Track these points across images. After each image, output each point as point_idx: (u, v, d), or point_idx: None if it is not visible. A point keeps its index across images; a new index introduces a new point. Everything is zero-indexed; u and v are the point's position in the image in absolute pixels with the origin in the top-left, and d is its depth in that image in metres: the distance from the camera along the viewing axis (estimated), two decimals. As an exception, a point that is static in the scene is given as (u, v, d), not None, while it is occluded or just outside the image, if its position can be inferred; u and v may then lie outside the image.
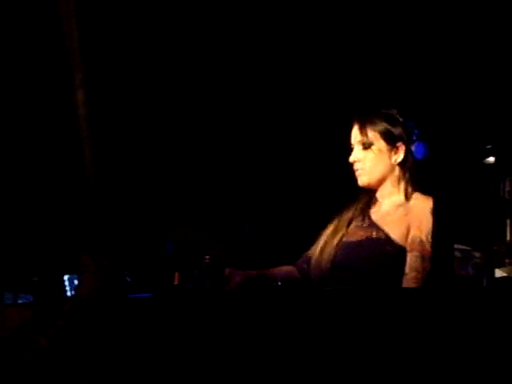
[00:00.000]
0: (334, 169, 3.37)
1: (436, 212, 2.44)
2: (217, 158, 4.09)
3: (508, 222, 3.50)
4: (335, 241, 2.66)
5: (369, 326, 1.70)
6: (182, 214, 3.76)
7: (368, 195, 2.65)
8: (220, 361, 1.83)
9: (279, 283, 2.69)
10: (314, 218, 3.27)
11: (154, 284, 3.25)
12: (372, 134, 2.58)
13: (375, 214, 2.60)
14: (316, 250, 2.69)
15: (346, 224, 2.69)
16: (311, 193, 3.90)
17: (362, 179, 2.58)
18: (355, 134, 2.60)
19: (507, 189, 3.47)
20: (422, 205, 2.48)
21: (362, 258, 2.56)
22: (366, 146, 2.57)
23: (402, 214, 2.51)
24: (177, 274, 2.88)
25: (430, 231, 2.40)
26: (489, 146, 3.46)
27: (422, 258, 2.43)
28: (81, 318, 2.01)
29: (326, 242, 2.69)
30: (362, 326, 1.71)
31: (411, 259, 2.45)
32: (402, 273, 2.47)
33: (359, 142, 2.56)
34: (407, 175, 2.56)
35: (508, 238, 3.46)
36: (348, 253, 2.58)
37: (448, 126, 3.61)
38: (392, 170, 2.59)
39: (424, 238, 2.44)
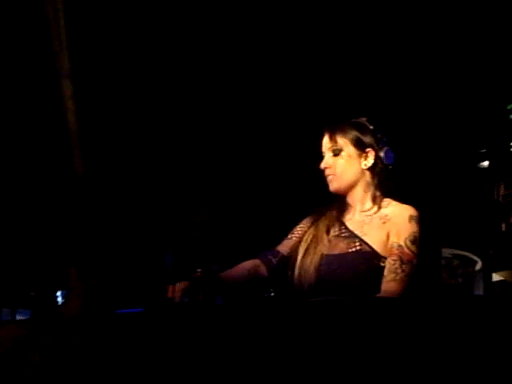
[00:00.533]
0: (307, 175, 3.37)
1: (422, 221, 2.44)
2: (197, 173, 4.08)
3: (503, 225, 3.53)
4: (318, 252, 2.64)
5: (358, 336, 1.69)
6: (179, 228, 3.74)
7: (340, 201, 2.64)
8: (210, 375, 1.81)
9: (272, 294, 2.68)
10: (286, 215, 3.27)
11: (151, 298, 3.22)
12: (342, 141, 2.58)
13: (351, 222, 2.59)
14: (297, 258, 2.67)
15: (324, 232, 2.68)
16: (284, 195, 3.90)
17: (333, 184, 2.58)
18: (325, 142, 2.61)
19: (501, 193, 3.50)
20: (400, 212, 2.48)
21: (349, 273, 2.54)
22: (336, 152, 2.57)
23: (380, 223, 2.51)
24: (171, 287, 2.84)
25: (408, 237, 2.40)
26: (483, 151, 3.48)
27: (401, 261, 2.42)
28: (70, 334, 1.98)
29: (308, 252, 2.67)
30: (351, 337, 1.70)
31: (389, 263, 2.43)
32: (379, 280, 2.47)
33: (329, 148, 2.57)
34: (376, 180, 2.55)
35: (503, 241, 3.49)
36: (333, 267, 2.56)
37: (433, 134, 3.64)
38: (362, 175, 2.58)
39: (402, 243, 2.43)
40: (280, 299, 2.62)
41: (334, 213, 2.60)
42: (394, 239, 2.42)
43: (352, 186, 2.54)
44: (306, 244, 2.60)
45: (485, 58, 3.44)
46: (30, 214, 3.55)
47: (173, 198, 3.88)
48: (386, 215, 2.46)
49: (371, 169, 2.50)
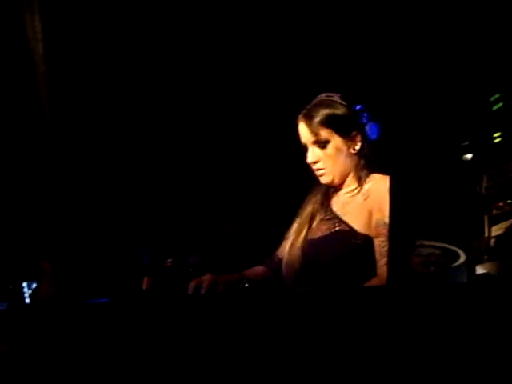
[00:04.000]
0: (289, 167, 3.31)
1: (393, 204, 2.38)
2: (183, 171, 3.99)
3: (486, 218, 3.53)
4: (301, 238, 2.55)
5: (338, 325, 1.65)
6: (155, 222, 3.64)
7: (321, 187, 2.57)
8: (179, 365, 1.74)
9: (246, 285, 2.60)
10: (281, 219, 3.20)
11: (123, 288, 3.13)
12: (324, 132, 2.45)
13: (335, 204, 2.50)
14: (284, 250, 2.60)
15: (308, 219, 2.58)
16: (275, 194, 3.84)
17: (326, 178, 2.47)
18: (305, 133, 2.45)
19: (484, 185, 3.51)
20: (379, 185, 2.40)
21: (329, 254, 2.46)
22: (322, 144, 2.46)
23: (360, 200, 2.43)
24: (146, 279, 2.75)
25: None
26: (466, 143, 3.48)
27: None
28: (38, 324, 1.89)
29: (293, 241, 2.58)
30: (331, 325, 1.65)
31: (379, 245, 2.38)
32: (371, 261, 2.41)
33: (313, 141, 2.46)
34: (363, 161, 2.49)
35: (486, 234, 3.49)
36: (315, 250, 2.47)
37: (402, 106, 3.63)
38: (351, 160, 2.51)
39: (387, 220, 2.37)
40: (255, 290, 2.53)
41: (319, 197, 2.54)
42: (378, 216, 2.38)
43: (345, 175, 2.48)
44: (292, 235, 2.53)
45: (467, 49, 3.45)
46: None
47: (148, 187, 3.79)
48: (368, 190, 2.41)
49: (359, 151, 2.44)
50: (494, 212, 3.47)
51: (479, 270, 3.62)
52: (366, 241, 2.44)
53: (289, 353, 1.67)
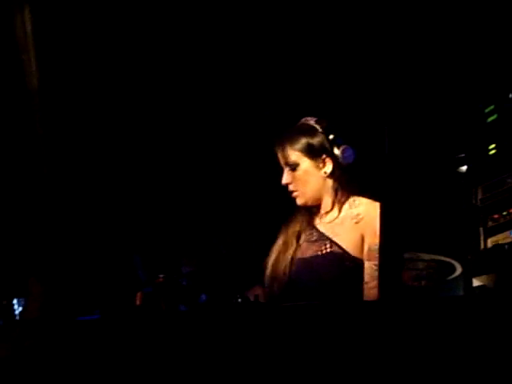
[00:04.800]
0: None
1: (383, 222, 2.39)
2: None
3: (481, 230, 3.51)
4: (288, 256, 2.57)
5: (327, 340, 1.63)
6: (149, 236, 3.62)
7: (306, 207, 2.58)
8: (172, 381, 1.73)
9: (239, 300, 2.59)
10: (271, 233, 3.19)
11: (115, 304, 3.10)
12: (295, 155, 2.50)
13: (322, 225, 2.53)
14: (268, 265, 2.60)
15: (295, 237, 2.60)
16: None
17: (299, 200, 2.52)
18: (280, 157, 2.53)
19: (480, 197, 3.49)
20: (371, 211, 2.43)
21: (321, 274, 2.48)
22: (293, 167, 2.50)
23: (352, 223, 2.45)
24: (139, 294, 2.73)
25: None
26: (461, 155, 3.47)
27: None
28: (26, 341, 1.88)
29: (278, 258, 2.60)
30: (322, 341, 1.64)
31: (371, 268, 2.39)
32: (360, 283, 2.41)
33: (285, 164, 2.50)
34: (339, 184, 2.50)
35: (482, 246, 3.47)
36: (304, 270, 2.49)
37: (393, 130, 3.63)
38: (324, 183, 2.52)
39: None
40: (247, 304, 2.52)
41: (304, 218, 2.55)
42: (371, 240, 2.38)
43: (318, 197, 2.48)
44: (276, 251, 2.53)
45: (461, 61, 3.45)
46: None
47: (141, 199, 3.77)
48: (358, 214, 2.42)
49: (332, 175, 2.45)
50: (490, 224, 3.45)
51: (476, 282, 3.60)
52: (357, 264, 2.46)
53: (280, 367, 1.65)
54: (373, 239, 2.41)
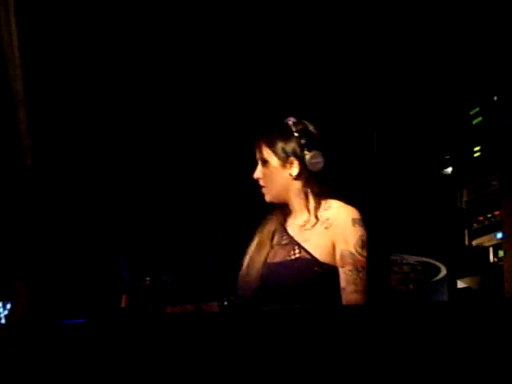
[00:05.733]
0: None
1: (370, 227, 2.40)
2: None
3: (466, 232, 3.53)
4: (261, 259, 2.57)
5: (316, 345, 1.63)
6: (136, 239, 3.61)
7: (282, 206, 2.59)
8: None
9: (225, 303, 2.59)
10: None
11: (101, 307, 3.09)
12: (266, 152, 2.53)
13: (292, 228, 2.52)
14: (243, 266, 2.60)
15: (268, 239, 2.60)
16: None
17: (266, 197, 2.54)
18: (255, 151, 2.57)
19: (465, 199, 3.51)
20: (342, 217, 2.42)
21: (289, 280, 2.48)
22: (263, 163, 2.53)
23: (322, 228, 2.44)
24: (124, 297, 2.72)
25: (356, 242, 2.36)
26: (446, 157, 3.49)
27: (357, 270, 2.38)
28: (12, 344, 1.86)
29: (252, 259, 2.60)
30: (309, 346, 1.64)
31: (346, 273, 2.38)
32: (335, 289, 2.41)
33: (258, 159, 2.53)
34: (307, 187, 2.50)
35: (466, 248, 3.48)
36: (274, 274, 2.49)
37: (381, 132, 3.64)
38: (291, 184, 2.53)
39: (353, 250, 2.39)
40: (232, 307, 2.52)
41: (277, 218, 2.56)
42: (342, 246, 2.38)
43: (283, 196, 2.50)
44: (251, 252, 2.53)
45: (447, 63, 3.46)
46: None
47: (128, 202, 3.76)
48: (328, 219, 2.42)
49: (298, 177, 2.46)
50: (475, 226, 3.47)
51: (460, 284, 3.62)
52: (329, 270, 2.45)
53: (266, 371, 1.65)
54: (344, 245, 2.41)
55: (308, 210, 2.45)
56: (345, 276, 2.36)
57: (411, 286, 3.51)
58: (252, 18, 3.50)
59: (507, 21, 3.15)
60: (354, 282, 2.33)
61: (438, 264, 3.58)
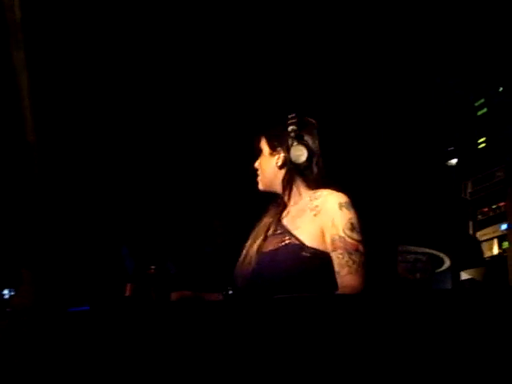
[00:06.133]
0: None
1: (375, 217, 2.42)
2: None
3: (471, 223, 3.53)
4: (254, 249, 2.62)
5: (322, 334, 1.62)
6: (140, 228, 3.61)
7: (279, 200, 2.64)
8: (163, 373, 1.72)
9: (230, 292, 2.61)
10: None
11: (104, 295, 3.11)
12: (262, 141, 2.64)
13: (285, 218, 2.57)
14: (240, 259, 2.64)
15: (263, 232, 2.64)
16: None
17: (259, 185, 2.62)
18: (255, 142, 2.67)
19: (469, 190, 3.51)
20: (328, 202, 2.45)
21: (277, 266, 2.51)
22: (259, 152, 2.62)
23: (311, 215, 2.48)
24: (128, 286, 2.73)
25: (345, 225, 2.37)
26: (451, 149, 3.48)
27: (348, 252, 2.39)
28: (17, 332, 1.87)
29: (247, 250, 2.65)
30: (315, 334, 1.63)
31: (338, 257, 2.40)
32: (325, 274, 2.43)
33: (256, 148, 2.61)
34: (293, 177, 2.56)
35: (471, 239, 3.48)
36: (264, 262, 2.52)
37: (387, 112, 3.64)
38: (277, 173, 2.61)
39: (342, 233, 2.40)
40: (235, 296, 2.54)
41: (273, 211, 2.59)
42: (332, 231, 2.40)
43: (272, 185, 2.55)
44: (247, 243, 2.57)
45: (453, 56, 3.46)
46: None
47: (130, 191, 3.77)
48: (317, 206, 2.45)
49: (283, 167, 2.52)
50: (479, 217, 3.47)
51: (464, 275, 3.62)
52: (316, 254, 2.46)
53: (271, 362, 1.65)
54: (333, 230, 2.44)
55: (297, 200, 2.50)
56: (337, 260, 2.37)
57: (418, 275, 3.52)
58: (259, 17, 3.50)
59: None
60: (346, 264, 2.35)
61: (441, 255, 3.58)
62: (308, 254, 2.42)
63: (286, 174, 2.54)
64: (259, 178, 2.57)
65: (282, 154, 2.53)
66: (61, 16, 3.29)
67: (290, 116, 2.57)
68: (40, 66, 2.77)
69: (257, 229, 2.62)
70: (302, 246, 2.40)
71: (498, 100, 3.31)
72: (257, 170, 2.57)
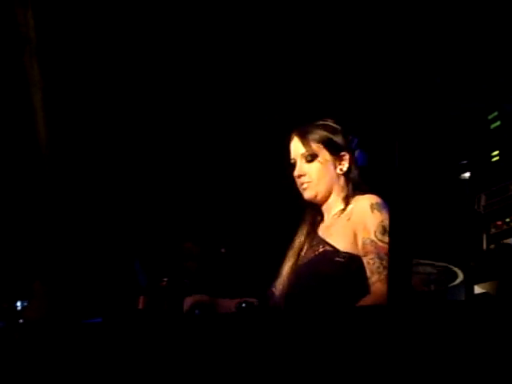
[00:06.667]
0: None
1: (392, 227, 2.39)
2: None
3: (484, 237, 3.50)
4: (288, 266, 2.60)
5: (337, 345, 1.63)
6: (152, 241, 3.61)
7: (312, 212, 2.59)
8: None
9: (243, 305, 2.60)
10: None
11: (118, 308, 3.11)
12: (315, 146, 2.53)
13: (321, 229, 2.55)
14: (277, 283, 2.62)
15: (298, 248, 2.63)
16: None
17: (309, 192, 2.52)
18: (297, 147, 2.53)
19: (482, 203, 3.49)
20: (360, 205, 2.45)
21: (314, 275, 2.50)
22: (310, 158, 2.52)
23: (344, 221, 2.46)
24: (141, 298, 2.74)
25: (377, 229, 2.36)
26: (464, 162, 3.47)
27: (379, 257, 2.40)
28: (29, 343, 1.88)
29: (281, 272, 2.63)
30: (331, 346, 1.64)
31: (369, 262, 2.41)
32: (362, 279, 2.42)
33: (302, 154, 2.50)
34: (350, 185, 2.52)
35: (484, 253, 3.46)
36: (300, 275, 2.52)
37: (403, 135, 3.63)
38: (337, 180, 2.55)
39: (373, 237, 2.41)
40: (251, 310, 2.54)
41: (308, 226, 2.55)
42: (363, 235, 2.40)
43: (328, 193, 2.50)
44: (285, 266, 2.54)
45: (465, 69, 3.45)
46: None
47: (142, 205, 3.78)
48: (350, 210, 2.42)
49: (346, 173, 2.47)
50: (493, 231, 3.44)
51: (477, 289, 3.59)
52: (351, 259, 2.47)
53: (286, 374, 1.65)
54: (364, 233, 2.44)
55: (341, 206, 2.46)
56: (368, 265, 2.37)
57: (432, 287, 3.50)
58: (263, 23, 3.51)
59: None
60: (377, 270, 2.34)
61: (455, 269, 3.56)
62: (342, 259, 2.41)
63: (345, 179, 2.50)
64: (311, 185, 2.48)
65: (347, 158, 2.47)
66: (73, 30, 3.31)
67: (332, 121, 2.51)
68: (53, 80, 2.79)
69: (292, 249, 2.59)
70: (335, 251, 2.39)
71: (512, 113, 3.30)
72: (300, 177, 2.49)
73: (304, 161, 2.53)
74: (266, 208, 3.78)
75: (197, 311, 2.40)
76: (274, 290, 2.61)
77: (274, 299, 2.59)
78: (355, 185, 2.54)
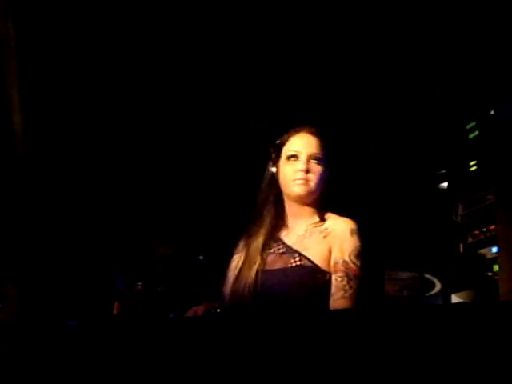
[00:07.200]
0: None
1: (363, 234, 2.41)
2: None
3: (461, 246, 3.52)
4: (253, 270, 2.56)
5: (311, 349, 1.62)
6: (128, 247, 3.59)
7: (272, 217, 2.57)
8: None
9: (218, 310, 2.58)
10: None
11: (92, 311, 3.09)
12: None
13: (288, 237, 2.50)
14: (229, 282, 2.57)
15: (258, 251, 2.59)
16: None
17: (305, 188, 2.47)
18: (308, 143, 2.49)
19: (460, 213, 3.51)
20: (340, 226, 2.44)
21: (292, 288, 2.47)
22: (319, 160, 2.50)
23: (320, 237, 2.45)
24: (116, 304, 2.72)
25: (352, 251, 2.37)
26: (442, 171, 3.49)
27: (348, 277, 2.38)
28: (1, 345, 1.86)
29: (241, 272, 2.58)
30: (304, 350, 1.63)
31: (336, 280, 2.39)
32: (327, 296, 2.41)
33: (313, 154, 2.47)
34: (325, 200, 2.52)
35: (461, 262, 3.48)
36: (272, 282, 2.48)
37: (377, 145, 3.65)
38: (325, 185, 2.55)
39: (347, 258, 2.40)
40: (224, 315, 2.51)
41: (268, 230, 2.52)
42: (337, 254, 2.39)
43: (315, 199, 2.48)
44: (238, 267, 2.50)
45: (445, 78, 3.47)
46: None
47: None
48: (326, 228, 2.42)
49: (331, 181, 2.47)
50: (470, 240, 3.46)
51: (455, 298, 3.61)
52: (329, 277, 2.46)
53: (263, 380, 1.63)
54: (339, 253, 2.43)
55: (317, 218, 2.45)
56: (335, 282, 2.37)
57: (405, 293, 3.51)
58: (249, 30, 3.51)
59: (505, 34, 3.16)
60: (343, 288, 2.34)
61: (432, 279, 3.58)
62: (322, 277, 2.40)
63: (328, 189, 2.50)
64: (311, 184, 2.45)
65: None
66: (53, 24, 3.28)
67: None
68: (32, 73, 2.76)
69: (247, 250, 2.55)
70: (315, 268, 2.37)
71: (490, 123, 3.32)
72: (307, 172, 2.46)
73: (314, 161, 2.50)
74: (245, 215, 3.75)
75: None
76: (232, 287, 2.55)
77: (234, 299, 2.54)
78: (327, 201, 2.55)
